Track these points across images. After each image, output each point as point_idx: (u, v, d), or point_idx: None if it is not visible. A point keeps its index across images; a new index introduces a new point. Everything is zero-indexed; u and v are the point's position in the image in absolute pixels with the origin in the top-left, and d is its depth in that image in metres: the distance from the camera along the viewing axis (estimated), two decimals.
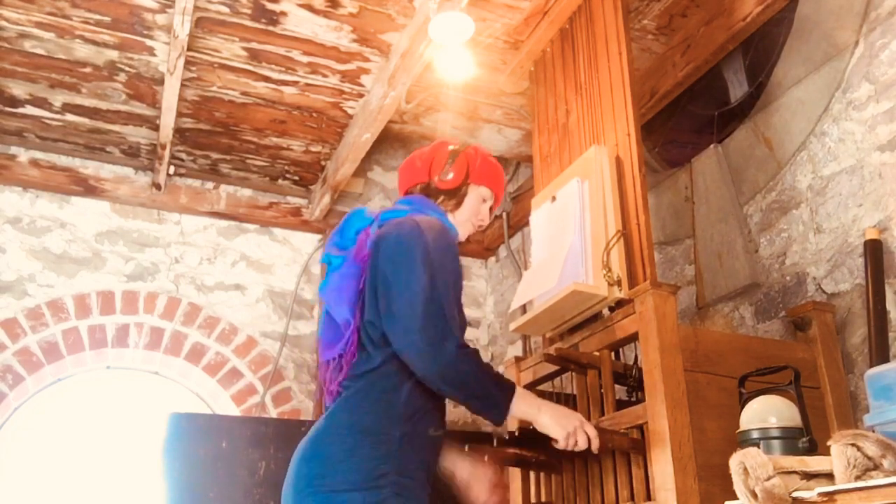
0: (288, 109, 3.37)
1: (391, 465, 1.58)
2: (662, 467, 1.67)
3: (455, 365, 1.61)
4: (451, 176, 1.94)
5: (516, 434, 1.84)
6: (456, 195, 1.96)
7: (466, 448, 1.92)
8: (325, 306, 1.86)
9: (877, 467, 1.24)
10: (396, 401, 1.65)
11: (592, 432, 1.69)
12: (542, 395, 2.32)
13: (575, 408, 2.06)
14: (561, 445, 1.68)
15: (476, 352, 1.67)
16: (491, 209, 2.03)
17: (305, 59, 3.03)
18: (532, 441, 1.77)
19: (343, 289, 1.77)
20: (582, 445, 1.68)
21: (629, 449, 1.80)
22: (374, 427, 1.62)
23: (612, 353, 2.01)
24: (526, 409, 1.68)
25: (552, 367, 2.16)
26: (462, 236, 1.98)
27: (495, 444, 1.90)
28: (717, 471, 1.64)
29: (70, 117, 3.43)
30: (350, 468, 1.57)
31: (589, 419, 1.96)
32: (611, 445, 1.82)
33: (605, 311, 2.06)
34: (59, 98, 3.30)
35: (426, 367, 1.61)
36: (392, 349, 1.66)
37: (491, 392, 1.65)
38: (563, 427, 1.67)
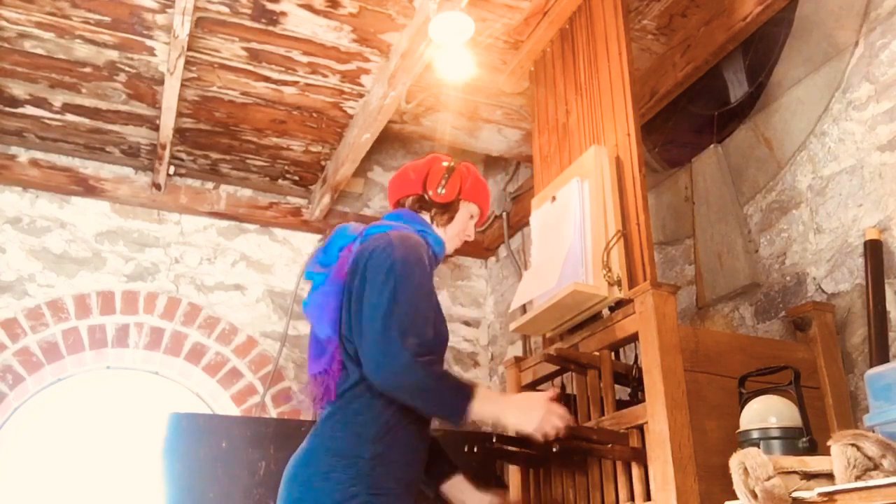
0: (288, 109, 3.37)
1: (362, 486, 1.65)
2: (662, 467, 1.67)
3: (407, 375, 1.65)
4: (445, 191, 2.01)
5: (514, 435, 1.86)
6: (448, 209, 2.04)
7: (466, 449, 1.93)
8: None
9: (877, 467, 1.24)
10: (367, 421, 1.72)
11: (560, 411, 1.72)
12: None
13: (575, 408, 2.06)
14: (540, 438, 1.72)
15: (431, 362, 1.70)
16: (476, 225, 2.12)
17: (305, 59, 3.03)
18: (526, 440, 1.80)
19: (324, 306, 1.84)
20: (561, 427, 1.72)
21: (630, 459, 1.79)
22: (345, 450, 1.69)
23: (612, 353, 2.01)
24: (489, 411, 1.71)
25: (552, 367, 2.16)
26: (449, 250, 2.06)
27: (495, 440, 1.93)
28: (717, 471, 1.64)
29: (70, 117, 3.43)
30: (325, 490, 1.65)
31: (589, 419, 1.97)
32: (611, 457, 1.82)
33: (605, 311, 2.06)
34: (59, 98, 3.30)
35: (381, 379, 1.68)
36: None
37: (447, 398, 1.68)
38: (530, 421, 1.70)
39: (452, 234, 2.05)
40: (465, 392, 1.69)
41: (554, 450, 1.73)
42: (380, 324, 1.68)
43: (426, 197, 2.01)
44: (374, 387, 1.71)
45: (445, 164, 2.04)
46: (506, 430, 1.85)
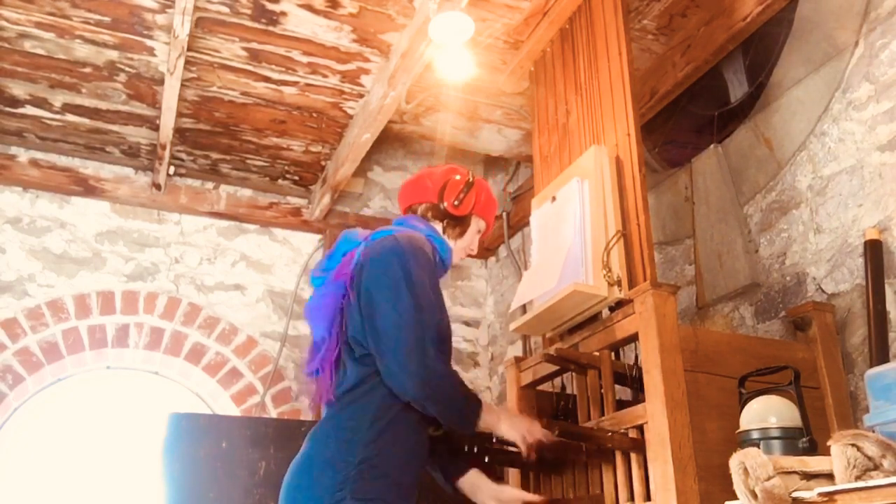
0: (288, 109, 3.37)
1: (347, 491, 1.66)
2: (662, 467, 1.67)
3: (443, 386, 1.73)
4: (461, 204, 2.04)
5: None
6: (461, 223, 2.07)
7: (466, 448, 1.94)
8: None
9: (877, 467, 1.24)
10: (357, 427, 1.73)
11: (540, 433, 1.83)
12: (543, 395, 2.34)
13: (575, 407, 2.07)
14: (523, 447, 1.83)
15: (456, 372, 1.79)
16: (480, 240, 2.18)
17: (305, 59, 3.03)
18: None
19: (322, 307, 1.86)
20: (541, 437, 1.83)
21: (630, 449, 1.80)
22: (334, 457, 1.70)
23: (612, 353, 2.01)
24: (489, 420, 1.81)
25: (552, 367, 2.16)
26: (454, 261, 2.09)
27: (494, 441, 1.93)
28: (717, 471, 1.64)
29: (70, 117, 3.43)
30: (312, 497, 1.67)
31: (589, 419, 1.98)
32: (610, 445, 1.83)
33: (605, 312, 2.06)
34: (59, 98, 3.30)
35: (415, 390, 1.70)
36: (368, 368, 1.76)
37: (465, 408, 1.78)
38: (518, 431, 1.82)
39: (460, 247, 2.10)
40: (477, 401, 1.79)
41: (555, 433, 1.79)
42: (409, 334, 1.70)
43: (441, 207, 2.04)
44: (375, 391, 1.74)
45: (460, 177, 2.07)
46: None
